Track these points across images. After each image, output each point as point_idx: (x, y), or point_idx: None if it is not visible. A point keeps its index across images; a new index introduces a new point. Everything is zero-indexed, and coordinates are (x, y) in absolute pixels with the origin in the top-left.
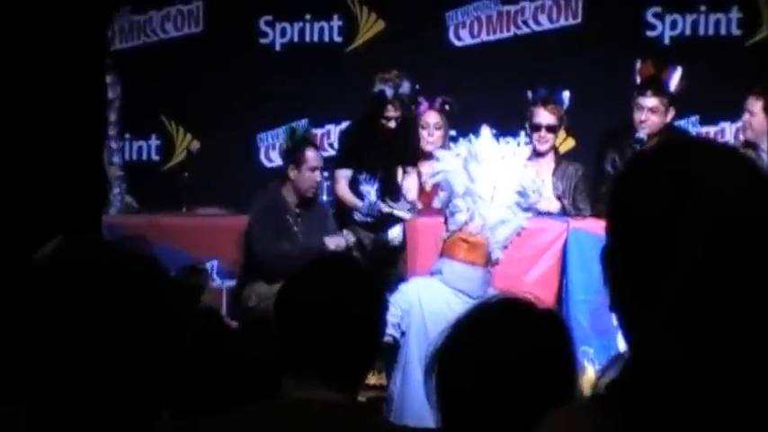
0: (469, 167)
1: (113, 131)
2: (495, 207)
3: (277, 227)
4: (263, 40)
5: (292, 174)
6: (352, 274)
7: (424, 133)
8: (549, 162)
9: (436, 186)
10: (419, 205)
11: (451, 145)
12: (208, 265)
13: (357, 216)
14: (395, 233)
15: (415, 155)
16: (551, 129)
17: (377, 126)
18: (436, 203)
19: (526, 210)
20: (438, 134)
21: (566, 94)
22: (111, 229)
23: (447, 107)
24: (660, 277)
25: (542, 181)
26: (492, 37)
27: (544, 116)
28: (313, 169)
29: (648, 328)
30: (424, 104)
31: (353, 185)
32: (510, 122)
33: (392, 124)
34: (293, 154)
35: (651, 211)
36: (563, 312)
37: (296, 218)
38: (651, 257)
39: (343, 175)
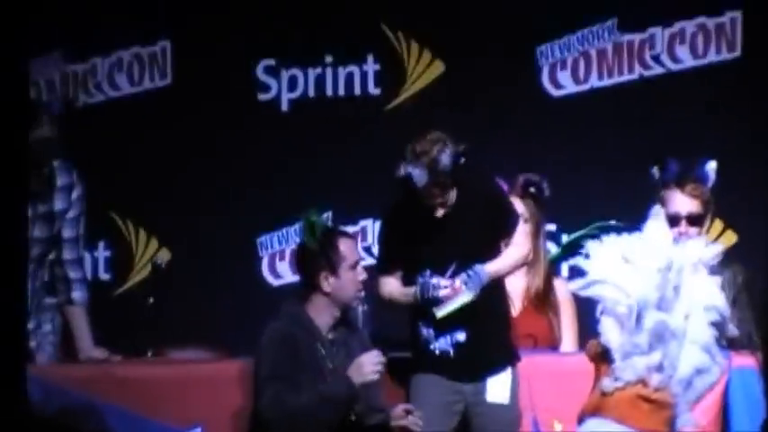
0: (668, 287)
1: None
2: (689, 348)
3: (306, 367)
4: (262, 96)
5: (326, 283)
6: None
7: None
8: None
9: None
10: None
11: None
12: None
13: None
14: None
15: (509, 233)
16: (694, 220)
17: (425, 214)
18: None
19: (722, 349)
20: (523, 229)
21: (711, 168)
22: (39, 384)
23: (532, 189)
24: None
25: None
26: (606, 82)
27: (682, 202)
28: (354, 265)
29: None
30: (504, 187)
31: (408, 283)
32: (630, 212)
33: (440, 212)
34: (321, 255)
35: None
36: None
37: (329, 347)
38: None
39: (391, 277)
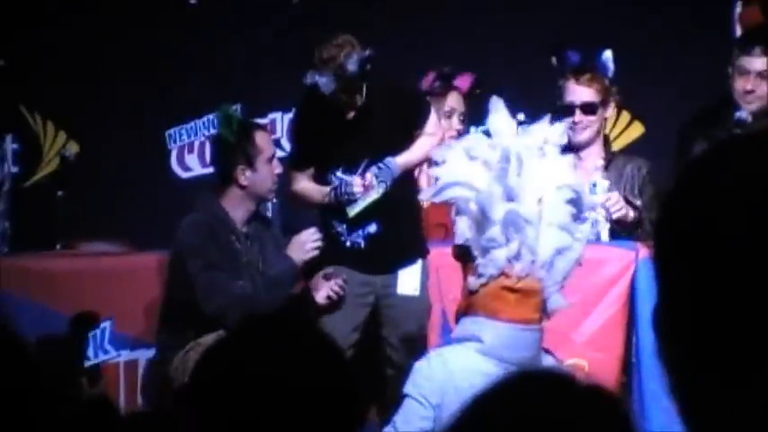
0: (509, 176)
1: None
2: (547, 230)
3: (227, 258)
4: None
5: (243, 177)
6: (308, 343)
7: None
8: (593, 159)
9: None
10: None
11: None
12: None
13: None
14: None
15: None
16: (589, 108)
17: (335, 114)
18: (458, 238)
19: (583, 223)
20: (460, 127)
21: (607, 57)
22: None
23: (478, 91)
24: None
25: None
26: None
27: (576, 91)
28: (270, 159)
29: (742, 417)
30: (464, 83)
31: (320, 181)
32: (537, 105)
33: (350, 114)
34: (237, 148)
35: (746, 235)
36: (633, 385)
37: (244, 241)
38: (745, 308)
39: (305, 174)
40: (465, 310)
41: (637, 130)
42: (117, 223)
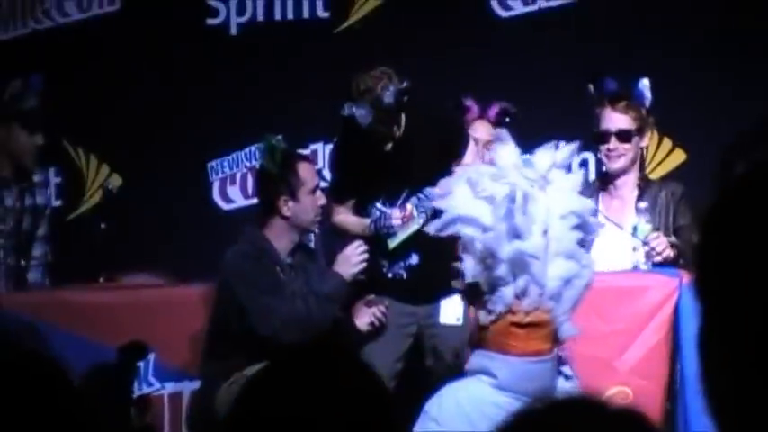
0: (515, 215)
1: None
2: (553, 261)
3: (275, 287)
4: (211, 20)
5: (285, 207)
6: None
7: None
8: (629, 189)
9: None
10: None
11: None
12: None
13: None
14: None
15: (459, 155)
16: (624, 136)
17: (376, 149)
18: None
19: (590, 246)
20: (474, 150)
21: (644, 85)
22: None
23: (507, 119)
24: None
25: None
26: (553, 3)
27: (611, 118)
28: (314, 190)
29: None
30: (474, 110)
31: (361, 212)
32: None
33: (388, 146)
34: (280, 179)
35: None
36: (678, 413)
37: (289, 271)
38: None
39: (344, 206)
40: (476, 345)
41: (678, 157)
42: (159, 255)
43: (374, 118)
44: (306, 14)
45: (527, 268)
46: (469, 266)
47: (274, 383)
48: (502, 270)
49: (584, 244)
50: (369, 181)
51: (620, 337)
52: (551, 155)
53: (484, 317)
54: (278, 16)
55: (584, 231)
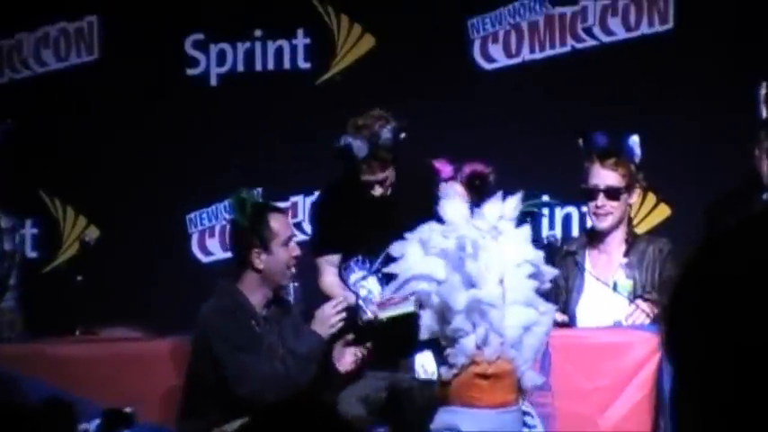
0: (466, 264)
1: None
2: (511, 309)
3: (251, 342)
4: (191, 71)
5: (258, 260)
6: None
7: None
8: (617, 245)
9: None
10: None
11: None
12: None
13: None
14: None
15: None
16: (613, 193)
17: (361, 193)
18: (423, 332)
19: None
20: None
21: (633, 141)
22: None
23: (477, 182)
24: None
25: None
26: (538, 55)
27: (600, 175)
28: (287, 242)
29: None
30: (446, 170)
31: (343, 275)
32: (569, 188)
33: (377, 191)
34: (252, 232)
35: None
36: None
37: (264, 324)
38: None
39: (329, 262)
40: (441, 402)
41: (662, 212)
42: (137, 309)
43: (370, 151)
44: (287, 65)
45: (485, 316)
46: (427, 322)
47: None
48: (459, 320)
49: (541, 292)
50: (352, 230)
51: (604, 393)
52: (499, 206)
53: (446, 372)
54: (258, 67)
55: (539, 280)
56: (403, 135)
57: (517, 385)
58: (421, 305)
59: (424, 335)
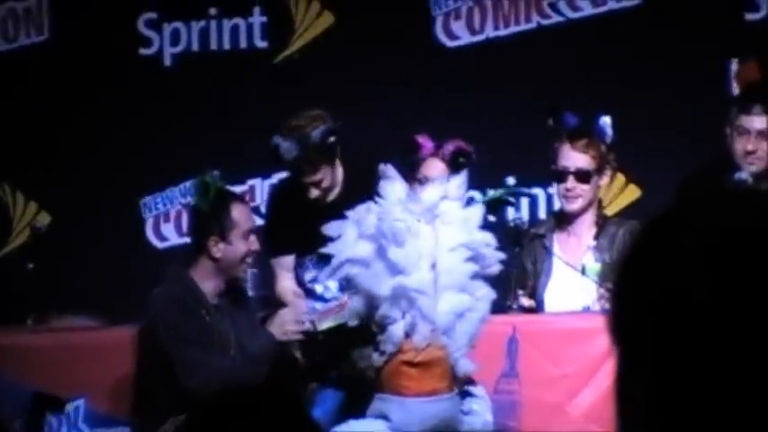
0: (388, 251)
1: None
2: (444, 295)
3: (200, 332)
4: (144, 51)
5: (215, 249)
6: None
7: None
8: (587, 227)
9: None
10: None
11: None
12: (70, 407)
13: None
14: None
15: None
16: (583, 176)
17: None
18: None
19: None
20: None
21: (605, 122)
22: None
23: (462, 159)
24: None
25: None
26: (502, 32)
27: (570, 157)
28: (247, 234)
29: None
30: (428, 146)
31: (299, 273)
32: (535, 169)
33: (314, 193)
34: (212, 218)
35: (708, 295)
36: None
37: (215, 313)
38: (707, 373)
39: (283, 266)
40: (377, 389)
41: (632, 193)
42: (91, 297)
43: (299, 153)
44: (243, 44)
45: (413, 304)
46: (356, 307)
47: (211, 428)
48: (386, 308)
49: (480, 275)
50: (304, 233)
51: (573, 380)
52: (442, 188)
53: (377, 359)
54: (214, 46)
55: (481, 264)
56: (332, 138)
57: (450, 373)
58: (352, 290)
59: (350, 319)
